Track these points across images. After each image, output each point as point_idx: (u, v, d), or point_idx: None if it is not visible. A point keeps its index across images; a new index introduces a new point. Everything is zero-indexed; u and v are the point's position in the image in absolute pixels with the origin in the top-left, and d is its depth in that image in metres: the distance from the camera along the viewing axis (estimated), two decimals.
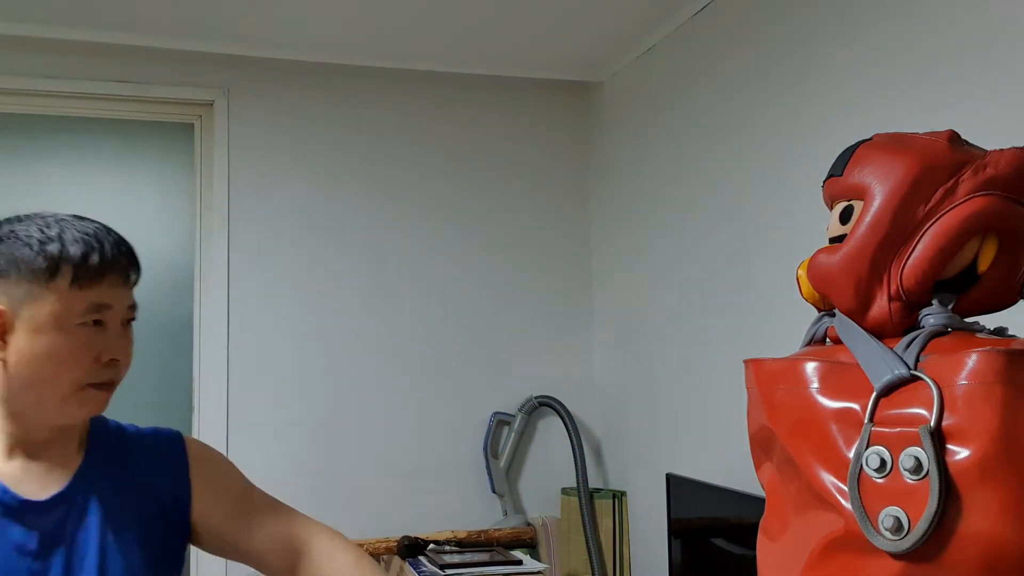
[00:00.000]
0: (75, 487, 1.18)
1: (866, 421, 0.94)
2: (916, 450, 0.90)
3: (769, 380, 1.07)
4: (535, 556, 3.08)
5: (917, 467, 0.89)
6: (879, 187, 1.02)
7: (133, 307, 1.19)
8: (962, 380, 0.89)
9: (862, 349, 1.01)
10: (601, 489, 3.20)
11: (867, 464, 0.93)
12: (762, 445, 1.09)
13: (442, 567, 2.63)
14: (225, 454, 3.24)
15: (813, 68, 2.21)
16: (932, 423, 0.89)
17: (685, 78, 2.80)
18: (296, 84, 3.16)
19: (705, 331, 2.66)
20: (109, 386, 1.16)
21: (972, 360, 0.89)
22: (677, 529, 2.42)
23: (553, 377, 3.33)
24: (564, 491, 3.21)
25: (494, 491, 3.21)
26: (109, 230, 1.18)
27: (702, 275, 2.69)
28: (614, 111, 3.29)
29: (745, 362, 1.10)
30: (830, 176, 1.11)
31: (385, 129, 3.25)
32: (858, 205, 1.05)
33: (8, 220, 1.15)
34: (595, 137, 3.42)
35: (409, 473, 3.16)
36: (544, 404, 3.25)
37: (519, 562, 2.71)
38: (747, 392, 1.11)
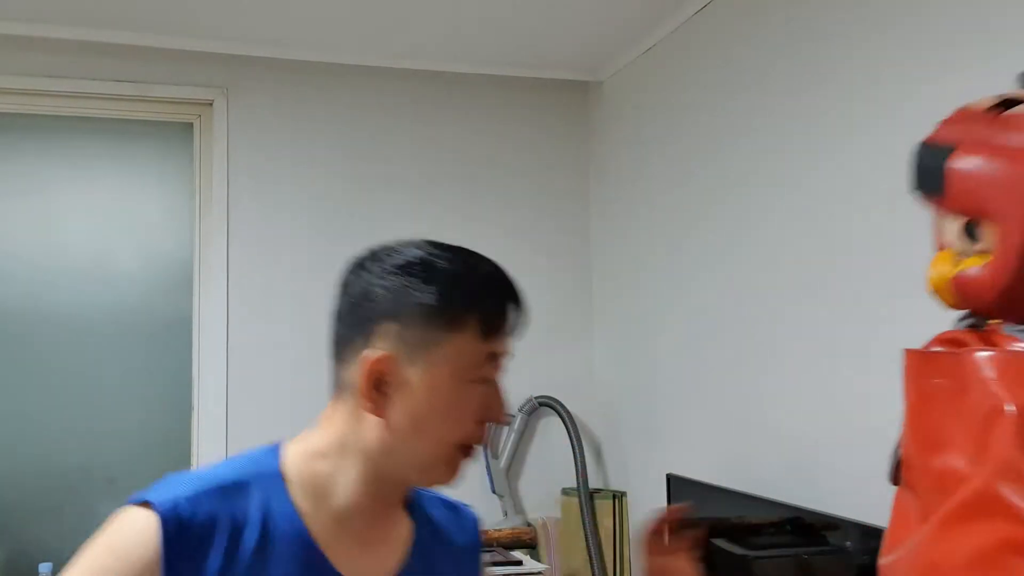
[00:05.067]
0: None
1: None
2: None
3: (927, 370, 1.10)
4: (535, 556, 3.08)
5: None
6: (1013, 208, 1.04)
7: (506, 355, 1.02)
8: None
9: None
10: (601, 489, 3.19)
11: None
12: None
13: None
14: (225, 453, 3.23)
15: (813, 67, 2.21)
16: None
17: (685, 78, 2.80)
18: (296, 84, 3.16)
19: (705, 331, 2.66)
20: (476, 449, 1.01)
21: None
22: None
23: (553, 377, 3.32)
24: (564, 491, 3.20)
25: (494, 491, 3.20)
26: (504, 271, 1.01)
27: (702, 275, 2.68)
28: (614, 111, 3.29)
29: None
30: (930, 192, 1.12)
31: (384, 128, 3.25)
32: (988, 224, 1.07)
33: (402, 253, 1.01)
34: (595, 137, 3.42)
35: None
36: (544, 404, 3.24)
37: (519, 563, 2.71)
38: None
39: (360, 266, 1.03)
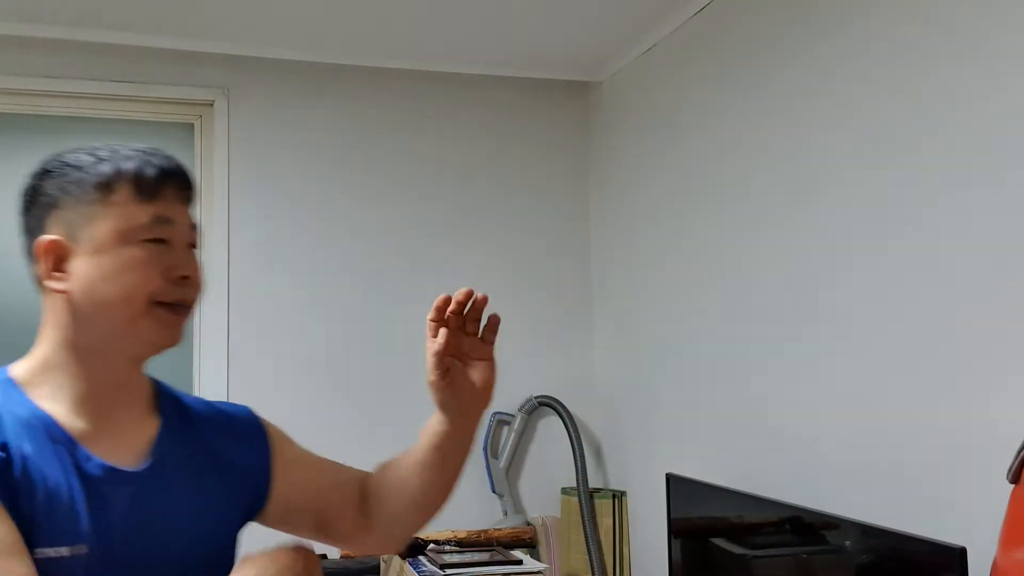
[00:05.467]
0: (157, 456, 1.11)
1: None
2: None
3: None
4: (535, 556, 3.08)
5: None
6: None
7: (195, 228, 1.12)
8: None
9: None
10: (601, 489, 3.19)
11: None
12: None
13: (442, 567, 2.63)
14: None
15: (814, 67, 2.21)
16: None
17: (685, 78, 2.80)
18: (296, 84, 3.16)
19: (705, 331, 2.66)
20: (182, 308, 1.09)
21: None
22: (677, 529, 2.42)
23: (553, 377, 3.33)
24: (564, 491, 3.21)
25: (494, 491, 3.20)
26: (155, 147, 1.12)
27: (702, 275, 2.69)
28: (614, 111, 3.29)
29: None
30: None
31: (384, 129, 3.25)
32: None
33: (55, 155, 1.11)
34: (595, 137, 3.42)
35: None
36: (544, 404, 3.25)
37: (519, 562, 2.71)
38: None
39: (25, 184, 1.12)
